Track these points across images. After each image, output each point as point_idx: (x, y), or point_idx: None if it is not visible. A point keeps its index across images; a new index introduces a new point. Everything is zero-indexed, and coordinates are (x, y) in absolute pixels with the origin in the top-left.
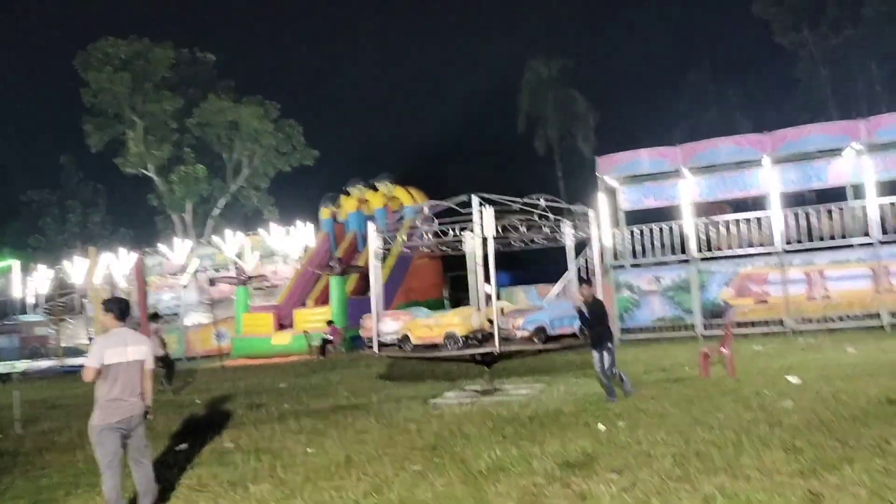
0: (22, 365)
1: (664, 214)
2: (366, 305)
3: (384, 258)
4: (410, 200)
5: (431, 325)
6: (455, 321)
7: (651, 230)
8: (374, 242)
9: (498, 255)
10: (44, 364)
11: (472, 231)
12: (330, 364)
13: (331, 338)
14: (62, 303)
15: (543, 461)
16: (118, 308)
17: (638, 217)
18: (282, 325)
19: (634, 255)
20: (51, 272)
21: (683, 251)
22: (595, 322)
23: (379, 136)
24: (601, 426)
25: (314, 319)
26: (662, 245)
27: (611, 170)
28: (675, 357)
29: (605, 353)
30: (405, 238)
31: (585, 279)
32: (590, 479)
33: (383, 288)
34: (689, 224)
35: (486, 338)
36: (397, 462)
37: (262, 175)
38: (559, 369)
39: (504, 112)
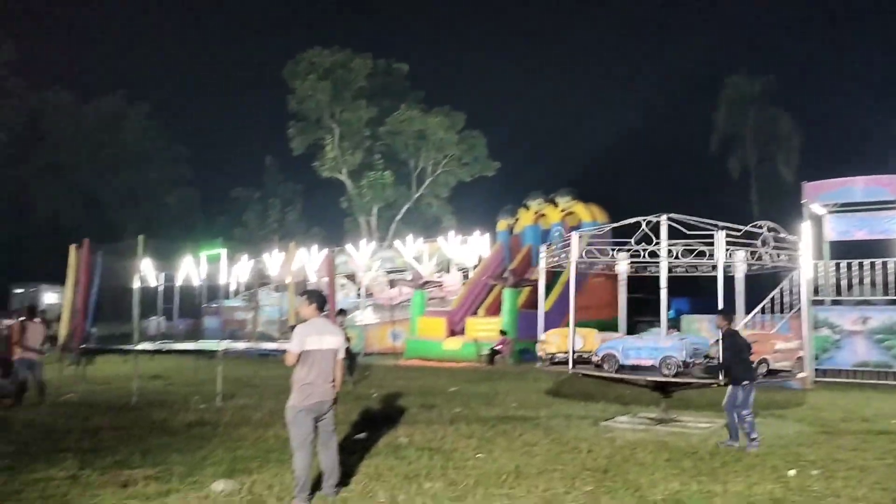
0: (224, 344)
1: (875, 249)
2: (536, 319)
3: (558, 275)
4: (589, 217)
5: (640, 347)
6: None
7: (861, 265)
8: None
9: (681, 280)
10: (241, 346)
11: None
12: (498, 374)
13: (500, 348)
14: (258, 292)
15: (726, 500)
16: (317, 299)
17: (843, 250)
18: (453, 332)
19: (838, 291)
20: (251, 263)
21: None
22: (730, 356)
23: (561, 151)
24: (792, 472)
25: (484, 328)
26: (873, 283)
27: (818, 197)
28: (878, 407)
29: (740, 392)
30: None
31: (724, 310)
32: None
33: (554, 305)
34: None
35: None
36: (567, 479)
37: (444, 184)
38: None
39: (696, 130)
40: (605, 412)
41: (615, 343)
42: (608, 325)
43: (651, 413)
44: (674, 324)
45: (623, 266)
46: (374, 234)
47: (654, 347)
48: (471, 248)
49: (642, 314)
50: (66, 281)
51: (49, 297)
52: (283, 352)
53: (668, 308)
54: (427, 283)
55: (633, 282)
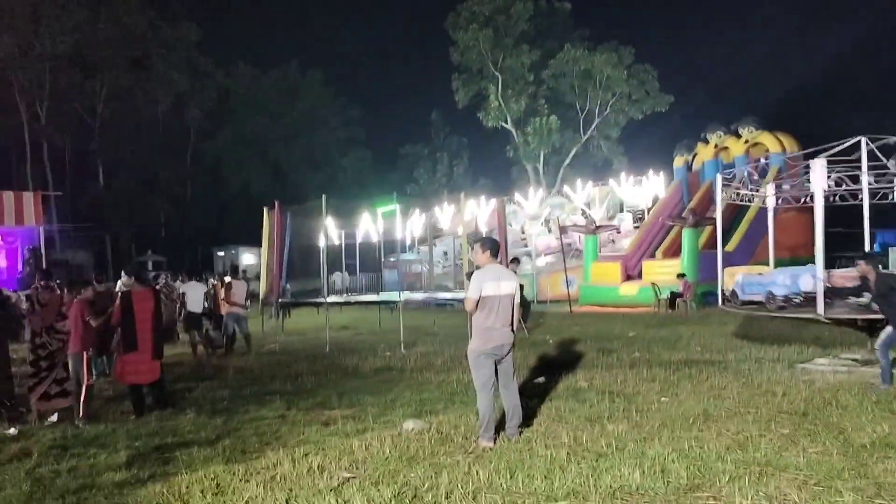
0: (403, 295)
1: None
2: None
3: (742, 212)
4: (778, 147)
5: (753, 283)
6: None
7: None
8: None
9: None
10: (419, 296)
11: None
12: (679, 318)
13: (681, 291)
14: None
15: None
16: (492, 247)
17: None
18: (629, 276)
19: None
20: (423, 217)
21: None
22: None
23: (740, 78)
24: None
25: (662, 272)
26: None
27: None
28: None
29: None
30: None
31: (869, 254)
32: None
33: (739, 244)
34: None
35: None
36: (761, 422)
37: (613, 124)
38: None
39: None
40: (801, 355)
41: (743, 278)
42: (802, 264)
43: (854, 354)
44: (880, 259)
45: (819, 196)
46: (543, 182)
47: (760, 283)
48: (645, 189)
49: (842, 250)
50: (263, 242)
51: (246, 258)
52: (458, 301)
53: (873, 241)
54: (600, 227)
55: (831, 214)
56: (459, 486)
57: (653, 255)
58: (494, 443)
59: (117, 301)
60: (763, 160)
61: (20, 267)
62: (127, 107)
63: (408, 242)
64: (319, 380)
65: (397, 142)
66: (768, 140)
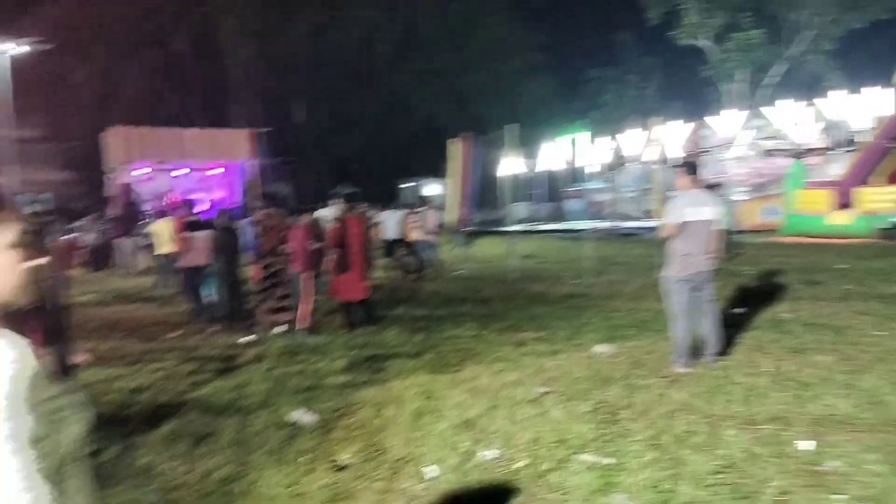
0: (587, 225)
1: None
2: None
3: None
4: None
5: None
6: None
7: None
8: None
9: None
10: (604, 225)
11: None
12: None
13: None
14: (617, 172)
15: None
16: (693, 171)
17: None
18: (841, 204)
19: None
20: (609, 143)
21: None
22: None
23: None
24: None
25: (881, 199)
26: None
27: None
28: None
29: None
30: None
31: None
32: None
33: None
34: None
35: None
36: None
37: (826, 36)
38: None
39: None
40: None
41: None
42: None
43: None
44: None
45: None
46: (742, 102)
47: None
48: (863, 108)
49: None
50: (449, 173)
51: (431, 188)
52: (645, 230)
53: None
54: (807, 151)
55: None
56: (656, 404)
57: (868, 182)
58: (690, 368)
59: (334, 226)
60: None
61: (237, 198)
62: (323, 45)
63: (592, 171)
64: (508, 304)
65: (582, 66)
66: None
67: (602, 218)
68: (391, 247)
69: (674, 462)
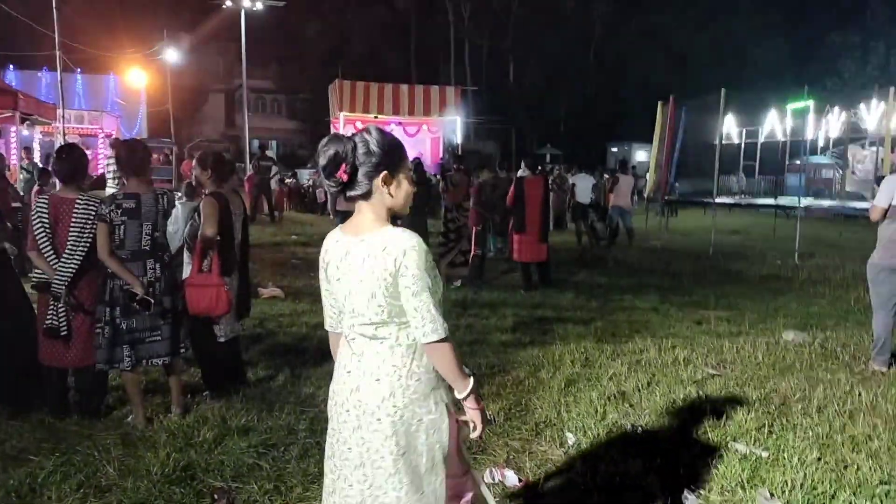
0: (806, 202)
1: None
2: None
3: None
4: None
5: None
6: None
7: None
8: None
9: None
10: (825, 204)
11: None
12: None
13: None
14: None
15: None
16: None
17: None
18: None
19: None
20: (843, 115)
21: None
22: None
23: None
24: None
25: None
26: None
27: None
28: None
29: None
30: None
31: None
32: None
33: None
34: None
35: None
36: None
37: None
38: None
39: None
40: None
41: None
42: None
43: None
44: None
45: None
46: None
47: None
48: None
49: None
50: (654, 138)
51: (639, 154)
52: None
53: None
54: None
55: None
56: (838, 401)
57: None
58: (889, 367)
59: (512, 186)
60: None
61: (441, 154)
62: (538, 5)
63: (820, 144)
64: (698, 280)
65: (821, 28)
66: None
67: (825, 196)
68: (584, 210)
69: (839, 465)
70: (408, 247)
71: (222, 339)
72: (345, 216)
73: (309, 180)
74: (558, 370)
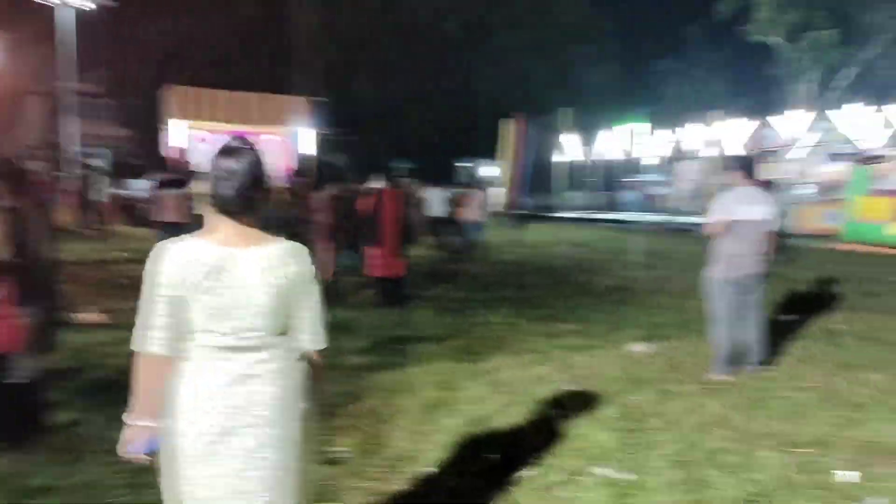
0: (640, 217)
1: None
2: None
3: None
4: None
5: None
6: None
7: None
8: None
9: None
10: (657, 218)
11: None
12: None
13: None
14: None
15: None
16: (746, 165)
17: None
18: None
19: None
20: (669, 136)
21: None
22: None
23: None
24: None
25: None
26: None
27: None
28: None
29: None
30: None
31: None
32: None
33: None
34: None
35: None
36: None
37: None
38: None
39: None
40: None
41: None
42: None
43: None
44: None
45: None
46: (809, 103)
47: None
48: None
49: None
50: (501, 154)
51: (488, 169)
52: (699, 226)
53: None
54: (873, 158)
55: None
56: (687, 415)
57: None
58: (730, 377)
59: (367, 198)
60: None
61: (289, 166)
62: (392, 20)
63: (650, 162)
64: (549, 292)
65: (648, 57)
66: None
67: (657, 211)
68: (436, 225)
69: (699, 485)
70: (304, 258)
71: (15, 381)
72: (173, 229)
73: (138, 192)
74: (416, 395)
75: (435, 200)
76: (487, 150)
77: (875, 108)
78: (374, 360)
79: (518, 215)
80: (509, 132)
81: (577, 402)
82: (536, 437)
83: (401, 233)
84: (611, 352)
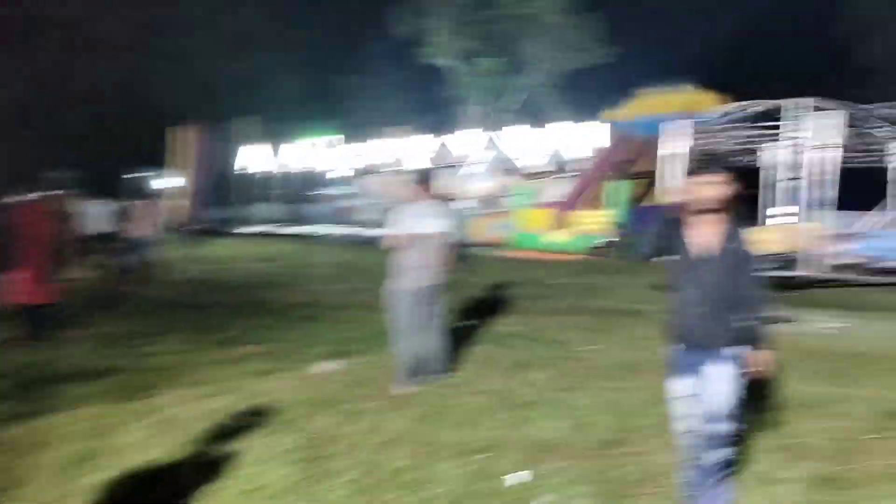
0: (329, 230)
1: None
2: (649, 211)
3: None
4: (709, 105)
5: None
6: (775, 238)
7: None
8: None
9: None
10: (345, 231)
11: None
12: (609, 267)
13: (611, 241)
14: (364, 179)
15: (862, 406)
16: (423, 179)
17: None
18: (561, 224)
19: None
20: (358, 149)
21: None
22: None
23: (680, 36)
24: None
25: (595, 221)
26: None
27: None
28: None
29: None
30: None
31: None
32: None
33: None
34: None
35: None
36: None
37: (555, 71)
38: (873, 306)
39: (827, 15)
40: None
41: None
42: None
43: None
44: None
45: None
46: (481, 123)
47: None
48: (582, 138)
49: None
50: (175, 163)
51: (164, 180)
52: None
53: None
54: (535, 174)
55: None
56: (370, 435)
57: (586, 205)
58: (414, 388)
59: (3, 213)
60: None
61: None
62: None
63: (338, 175)
64: (230, 313)
65: (335, 69)
66: (700, 99)
67: (344, 223)
68: (101, 243)
69: None
70: None
71: None
72: None
73: None
74: (59, 449)
75: (99, 215)
76: (162, 160)
77: (537, 129)
78: (15, 408)
79: (198, 230)
80: (186, 141)
81: (256, 436)
82: (206, 482)
83: (51, 253)
84: (296, 373)
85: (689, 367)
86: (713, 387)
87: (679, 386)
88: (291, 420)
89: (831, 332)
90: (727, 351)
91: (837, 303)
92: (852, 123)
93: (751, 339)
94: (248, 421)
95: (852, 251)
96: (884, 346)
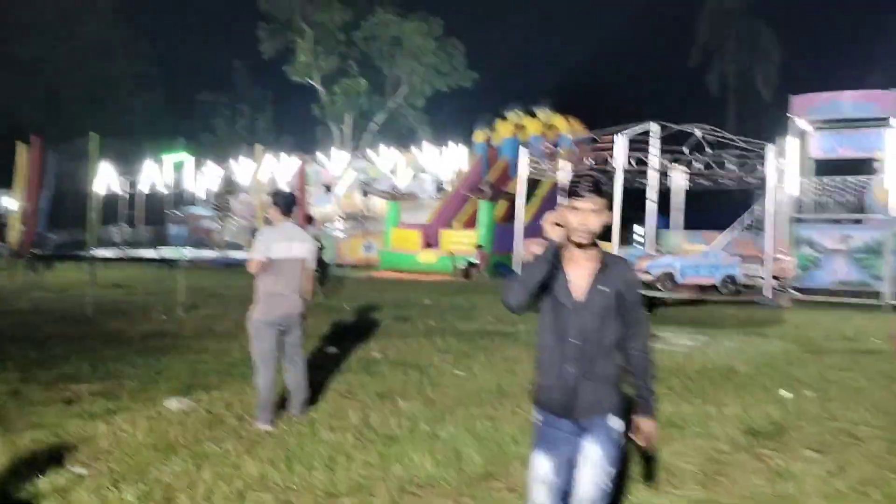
0: (189, 253)
1: (859, 168)
2: (512, 232)
3: (536, 187)
4: (568, 129)
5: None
6: None
7: (845, 182)
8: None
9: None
10: (208, 254)
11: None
12: (474, 287)
13: (476, 261)
14: (226, 200)
15: (724, 424)
16: (285, 202)
17: (827, 168)
18: (428, 244)
19: (820, 208)
20: (219, 169)
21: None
22: None
23: (540, 62)
24: (784, 392)
25: (460, 241)
26: (857, 201)
27: (805, 111)
28: (859, 326)
29: None
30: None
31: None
32: (784, 454)
33: (532, 218)
34: (892, 179)
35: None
36: None
37: (420, 94)
38: (724, 323)
39: (677, 42)
40: None
41: (670, 261)
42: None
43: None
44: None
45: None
46: (348, 143)
47: (713, 267)
48: (447, 160)
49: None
50: (18, 183)
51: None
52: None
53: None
54: (402, 194)
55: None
56: (224, 482)
57: (451, 225)
58: (273, 425)
59: None
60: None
61: None
62: None
63: (199, 196)
64: (72, 346)
65: (195, 87)
66: (560, 122)
67: (207, 246)
68: None
69: None
70: None
71: None
72: None
73: None
74: None
75: None
76: (4, 177)
77: (401, 150)
78: None
79: (36, 255)
80: (24, 159)
81: (87, 490)
82: None
83: None
84: (142, 413)
85: (554, 443)
86: (585, 472)
87: (540, 466)
88: (135, 468)
89: (684, 350)
90: (605, 421)
91: (690, 319)
92: (699, 148)
93: (636, 401)
94: (84, 470)
95: (661, 266)
96: (736, 363)
